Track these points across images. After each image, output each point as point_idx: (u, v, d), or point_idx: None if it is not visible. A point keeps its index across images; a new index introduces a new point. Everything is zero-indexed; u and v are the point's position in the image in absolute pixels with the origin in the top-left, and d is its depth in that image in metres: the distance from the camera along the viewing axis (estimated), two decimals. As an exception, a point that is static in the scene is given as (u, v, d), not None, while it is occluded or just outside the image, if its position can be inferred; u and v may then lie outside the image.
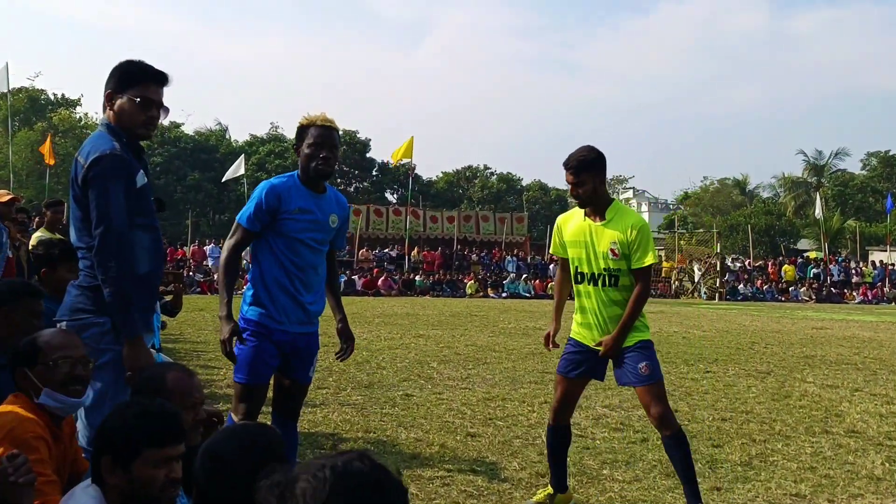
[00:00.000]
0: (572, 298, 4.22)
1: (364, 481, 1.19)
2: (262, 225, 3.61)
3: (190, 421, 2.39)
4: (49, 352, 2.51)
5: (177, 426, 2.11)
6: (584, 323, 4.06)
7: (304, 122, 3.69)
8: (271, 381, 3.75)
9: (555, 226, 4.24)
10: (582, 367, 4.06)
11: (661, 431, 3.94)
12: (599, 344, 3.97)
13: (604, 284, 3.96)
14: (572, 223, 4.10)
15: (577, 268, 4.05)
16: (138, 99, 3.00)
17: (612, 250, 3.91)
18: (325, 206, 3.71)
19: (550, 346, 4.30)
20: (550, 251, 4.29)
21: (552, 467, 4.17)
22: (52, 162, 27.17)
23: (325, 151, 3.63)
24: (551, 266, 31.61)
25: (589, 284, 4.00)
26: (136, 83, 3.02)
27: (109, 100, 3.04)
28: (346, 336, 3.89)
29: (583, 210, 4.05)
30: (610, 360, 4.05)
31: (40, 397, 2.47)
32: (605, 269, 3.95)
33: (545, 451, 4.36)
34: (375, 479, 1.21)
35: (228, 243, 3.70)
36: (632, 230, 3.89)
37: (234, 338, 3.48)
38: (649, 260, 3.91)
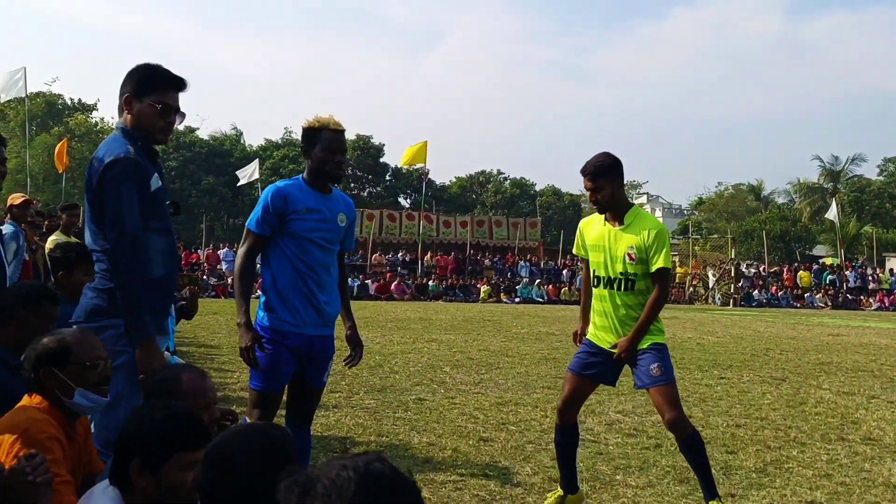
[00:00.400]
0: None
1: (385, 483, 1.21)
2: (271, 228, 3.61)
3: (206, 421, 2.40)
4: (83, 353, 2.52)
5: (204, 429, 2.13)
6: (600, 325, 4.10)
7: (315, 124, 3.67)
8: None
9: (578, 228, 4.31)
10: (595, 368, 4.10)
11: (675, 434, 3.96)
12: (614, 346, 4.00)
13: (619, 288, 4.00)
14: (594, 228, 4.16)
15: (594, 271, 4.11)
16: (159, 105, 3.00)
17: (628, 254, 3.95)
18: (332, 205, 3.73)
19: (578, 343, 4.36)
20: (573, 252, 4.37)
21: (561, 468, 4.18)
22: (61, 168, 27.17)
23: (339, 156, 3.67)
24: (564, 271, 31.57)
25: (605, 288, 4.04)
26: (156, 89, 3.01)
27: (128, 103, 3.03)
28: (354, 343, 3.89)
29: (603, 215, 4.09)
30: (626, 367, 4.07)
31: (74, 397, 2.48)
32: (621, 274, 3.98)
33: (557, 455, 4.37)
34: (394, 480, 1.22)
35: (241, 250, 3.70)
36: (649, 234, 3.93)
37: (255, 345, 3.49)
38: (661, 262, 3.92)
